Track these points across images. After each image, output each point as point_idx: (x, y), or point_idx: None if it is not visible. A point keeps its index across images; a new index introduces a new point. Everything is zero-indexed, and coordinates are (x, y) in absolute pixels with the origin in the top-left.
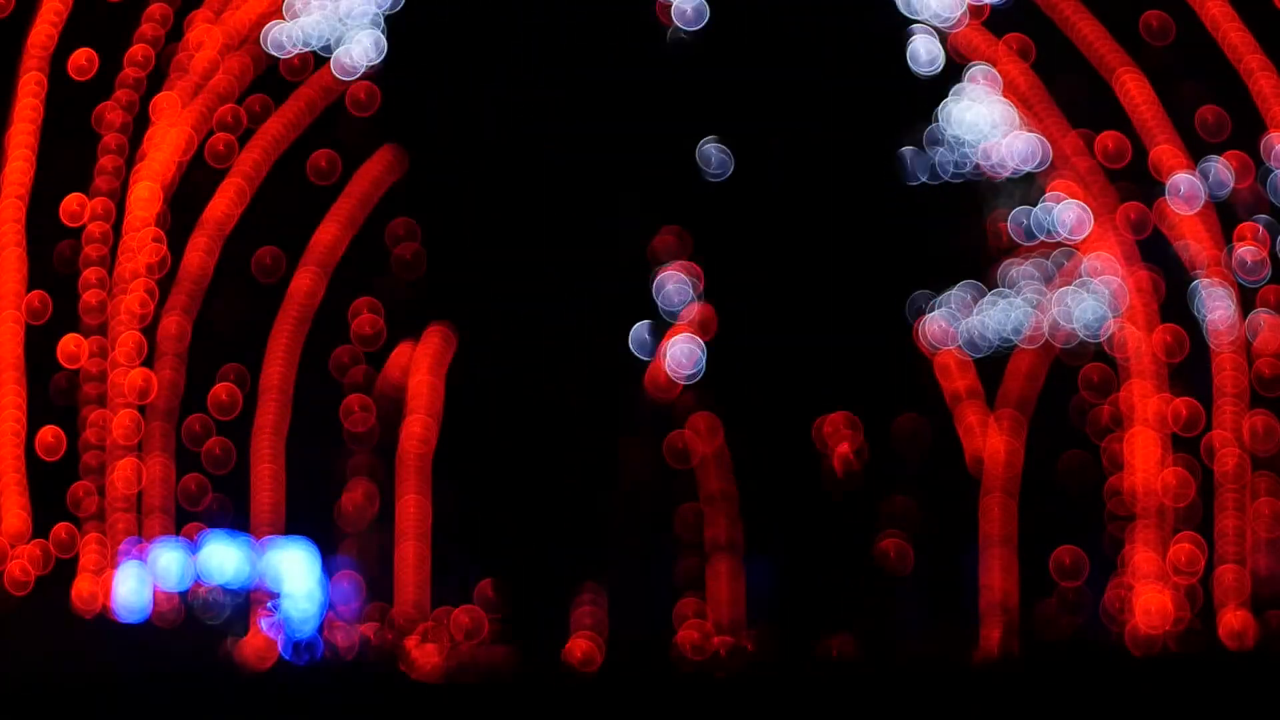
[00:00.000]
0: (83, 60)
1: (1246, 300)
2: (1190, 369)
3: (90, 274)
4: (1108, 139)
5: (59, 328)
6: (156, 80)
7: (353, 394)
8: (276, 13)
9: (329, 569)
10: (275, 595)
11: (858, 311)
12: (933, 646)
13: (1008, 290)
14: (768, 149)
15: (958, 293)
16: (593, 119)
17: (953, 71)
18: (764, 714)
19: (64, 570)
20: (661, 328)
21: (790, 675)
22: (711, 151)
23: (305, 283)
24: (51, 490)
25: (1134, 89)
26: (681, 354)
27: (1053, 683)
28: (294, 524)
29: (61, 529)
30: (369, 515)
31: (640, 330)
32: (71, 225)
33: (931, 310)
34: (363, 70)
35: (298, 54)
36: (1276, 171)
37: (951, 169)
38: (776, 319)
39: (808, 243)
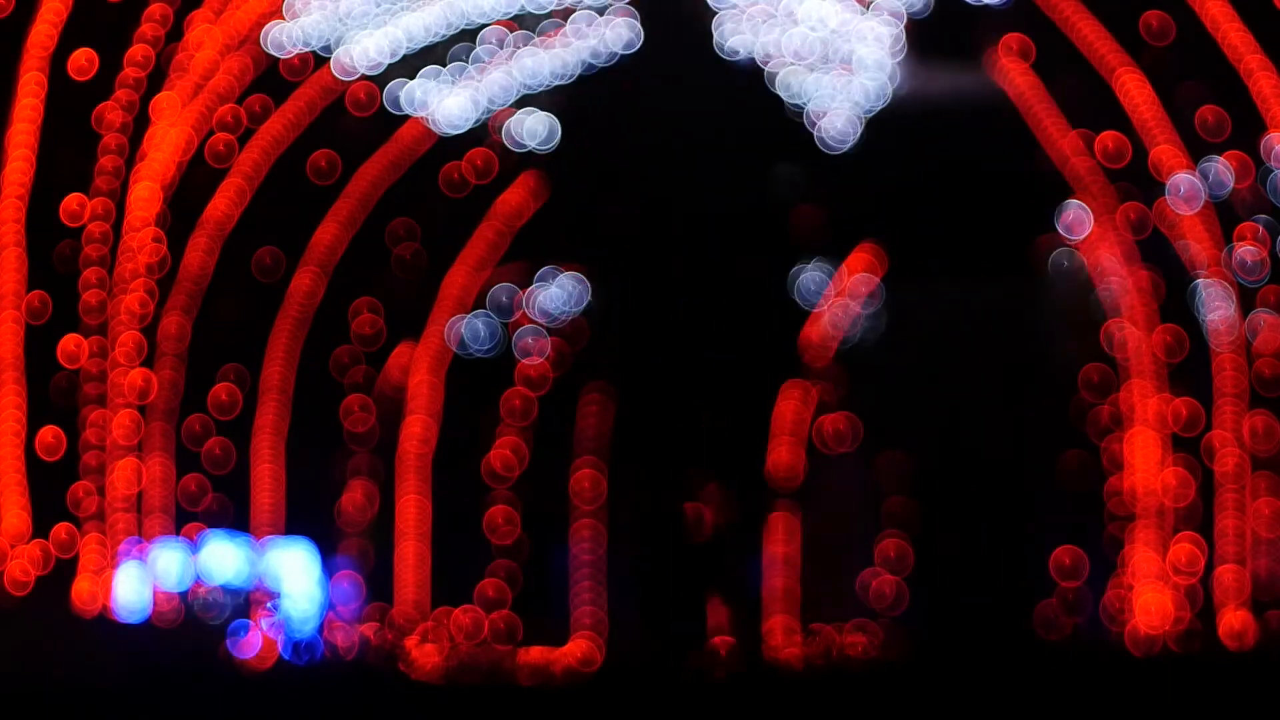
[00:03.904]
0: (83, 60)
1: (1246, 300)
2: (1190, 369)
3: (90, 274)
4: (1108, 139)
5: (59, 328)
6: (156, 80)
7: (353, 394)
8: (276, 13)
9: (329, 569)
10: (275, 595)
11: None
12: (932, 644)
13: None
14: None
15: None
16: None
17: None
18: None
19: (64, 570)
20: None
21: (792, 675)
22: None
23: (305, 283)
24: (51, 490)
25: (1134, 89)
26: None
27: (1053, 683)
28: (294, 524)
29: (61, 529)
30: (369, 515)
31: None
32: (71, 225)
33: None
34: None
35: (298, 54)
36: (1276, 171)
37: None
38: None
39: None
